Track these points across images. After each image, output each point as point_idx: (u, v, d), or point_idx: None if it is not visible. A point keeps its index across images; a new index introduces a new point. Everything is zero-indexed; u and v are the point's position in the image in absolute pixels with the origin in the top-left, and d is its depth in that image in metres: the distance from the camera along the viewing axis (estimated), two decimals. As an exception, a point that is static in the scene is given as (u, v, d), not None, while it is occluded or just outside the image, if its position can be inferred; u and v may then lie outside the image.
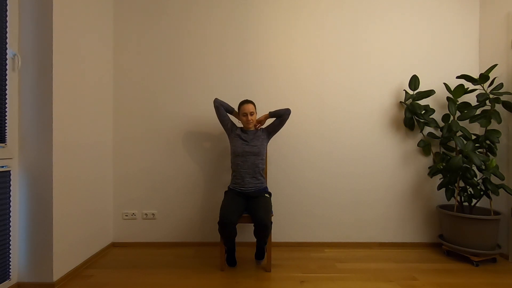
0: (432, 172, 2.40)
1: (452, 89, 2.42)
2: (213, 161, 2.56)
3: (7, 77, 1.70)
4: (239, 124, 2.37)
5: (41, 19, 1.77)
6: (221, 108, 2.20)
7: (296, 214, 2.57)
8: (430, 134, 2.52)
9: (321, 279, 1.93)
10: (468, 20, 2.60)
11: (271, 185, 2.57)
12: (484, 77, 2.20)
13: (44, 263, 1.78)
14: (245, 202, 2.10)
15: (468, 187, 2.29)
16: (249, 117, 2.15)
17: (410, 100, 2.54)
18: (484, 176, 2.18)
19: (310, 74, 2.58)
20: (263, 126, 2.33)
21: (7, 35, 1.69)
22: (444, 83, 2.44)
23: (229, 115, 2.27)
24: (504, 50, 2.36)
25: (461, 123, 2.53)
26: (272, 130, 2.23)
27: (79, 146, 2.07)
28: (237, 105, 2.30)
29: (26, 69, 1.78)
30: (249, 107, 2.15)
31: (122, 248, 2.51)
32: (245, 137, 2.18)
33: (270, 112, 2.26)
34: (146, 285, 1.84)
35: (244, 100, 2.20)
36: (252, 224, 2.19)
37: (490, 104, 2.27)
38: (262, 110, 2.52)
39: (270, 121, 2.46)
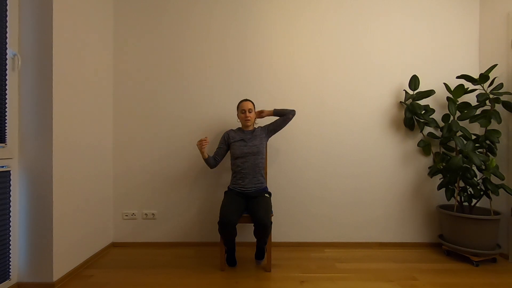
0: (432, 172, 2.40)
1: (452, 89, 2.42)
2: (213, 161, 2.56)
3: (7, 77, 1.70)
4: (236, 123, 2.37)
5: (41, 19, 1.77)
6: (210, 161, 2.17)
7: (296, 214, 2.57)
8: (430, 134, 2.51)
9: (321, 279, 1.93)
10: (468, 20, 2.60)
11: (271, 185, 2.56)
12: (484, 77, 2.20)
13: (44, 263, 1.78)
14: (245, 202, 2.10)
15: (468, 187, 2.29)
16: (247, 114, 2.16)
17: (410, 100, 2.54)
18: (484, 176, 2.18)
19: (310, 74, 2.58)
20: (262, 125, 2.32)
21: (7, 35, 1.69)
22: (444, 83, 2.44)
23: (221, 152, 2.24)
24: (504, 50, 2.36)
25: (461, 123, 2.53)
26: (274, 128, 2.23)
27: (79, 146, 2.07)
28: (234, 107, 2.30)
29: (26, 69, 1.78)
30: (248, 104, 2.17)
31: (122, 248, 2.51)
32: (243, 137, 2.18)
33: (275, 109, 2.25)
34: (146, 285, 1.84)
35: (243, 99, 2.24)
36: (252, 224, 2.20)
37: (490, 104, 2.27)
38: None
39: (271, 119, 2.47)
